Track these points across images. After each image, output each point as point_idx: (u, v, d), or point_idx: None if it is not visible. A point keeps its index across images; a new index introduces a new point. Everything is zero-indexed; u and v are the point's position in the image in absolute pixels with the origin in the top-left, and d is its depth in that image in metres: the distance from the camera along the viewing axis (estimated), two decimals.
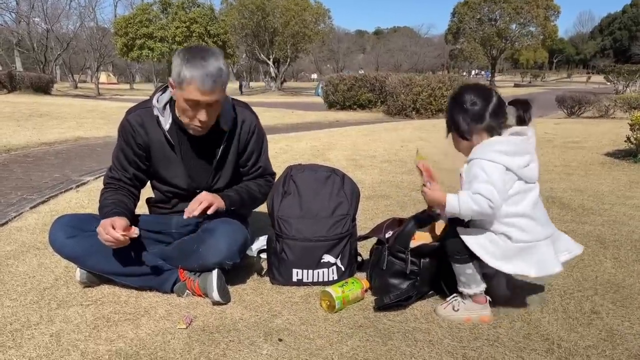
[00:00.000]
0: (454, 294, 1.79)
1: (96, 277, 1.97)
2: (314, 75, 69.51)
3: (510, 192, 1.65)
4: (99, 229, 1.74)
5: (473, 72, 62.07)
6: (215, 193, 1.97)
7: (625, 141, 5.25)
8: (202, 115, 1.81)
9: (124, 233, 1.72)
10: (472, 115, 1.69)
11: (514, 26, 47.99)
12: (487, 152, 1.64)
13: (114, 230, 1.71)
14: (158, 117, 1.93)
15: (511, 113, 1.70)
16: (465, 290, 1.74)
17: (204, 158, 2.02)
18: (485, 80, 49.73)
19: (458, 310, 1.74)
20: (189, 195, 1.99)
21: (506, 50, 52.01)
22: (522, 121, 1.69)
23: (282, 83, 43.91)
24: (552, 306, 1.84)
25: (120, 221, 1.76)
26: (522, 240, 1.64)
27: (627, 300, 1.88)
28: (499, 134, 1.69)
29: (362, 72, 20.38)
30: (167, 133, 1.94)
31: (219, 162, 2.03)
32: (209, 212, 1.87)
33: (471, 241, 1.66)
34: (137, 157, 1.99)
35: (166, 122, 1.94)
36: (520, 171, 1.64)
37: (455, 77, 14.10)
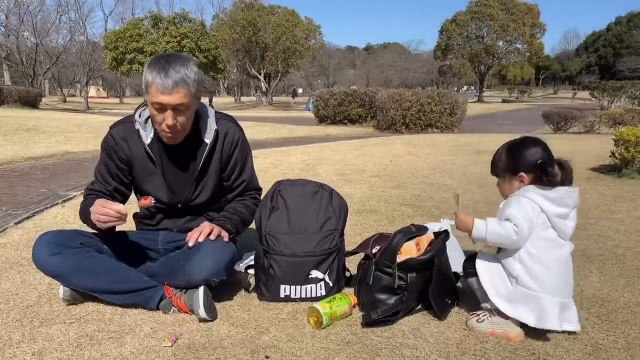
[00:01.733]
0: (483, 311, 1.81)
1: (80, 295, 1.94)
2: (300, 90, 70.16)
3: (539, 234, 1.69)
4: (93, 210, 1.76)
5: (464, 88, 62.73)
6: (198, 208, 1.98)
7: (609, 156, 5.34)
8: (168, 119, 1.81)
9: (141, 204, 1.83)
10: (529, 163, 1.74)
11: (501, 43, 48.80)
12: (529, 191, 1.71)
13: (112, 203, 1.74)
14: (139, 130, 1.95)
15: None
16: (488, 304, 1.77)
17: (185, 171, 2.03)
18: (474, 95, 50.39)
19: (482, 322, 1.75)
20: (171, 210, 1.99)
21: (494, 66, 52.81)
22: (563, 182, 1.73)
23: (279, 95, 43.98)
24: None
25: (112, 202, 1.78)
26: (527, 286, 1.68)
27: (612, 315, 1.90)
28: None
29: (355, 87, 20.51)
30: (147, 147, 1.95)
31: (199, 175, 2.03)
32: (211, 237, 1.89)
33: (484, 278, 1.76)
34: (119, 170, 2.00)
35: (147, 136, 1.95)
36: (554, 220, 1.70)
37: (444, 93, 14.23)
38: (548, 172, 1.69)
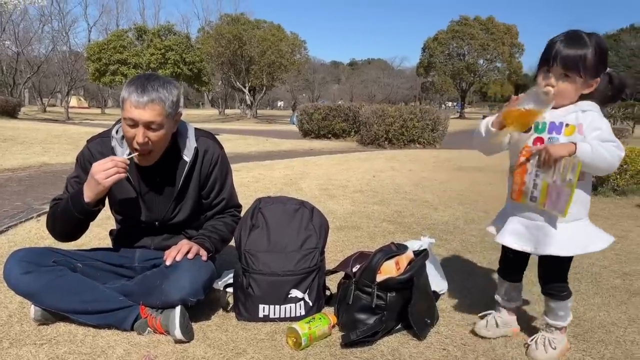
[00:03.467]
0: (541, 333, 1.76)
1: (51, 315, 1.88)
2: (280, 103, 70.70)
3: None
4: (94, 171, 1.76)
5: (449, 104, 63.52)
6: (176, 226, 1.96)
7: None
8: (139, 136, 1.78)
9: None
10: (605, 68, 1.62)
11: (481, 61, 49.96)
12: (598, 109, 1.60)
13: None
14: (115, 147, 1.92)
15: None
16: (561, 324, 1.74)
17: (163, 189, 2.00)
18: (456, 111, 51.17)
19: (556, 348, 1.71)
20: (148, 228, 1.95)
21: (475, 83, 53.91)
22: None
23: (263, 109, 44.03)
24: (516, 340, 1.86)
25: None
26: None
27: (587, 334, 1.92)
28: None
29: (341, 102, 20.68)
30: None
31: (179, 194, 2.01)
32: (189, 256, 1.86)
33: (602, 241, 1.66)
34: None
35: (123, 153, 1.92)
36: None
37: (427, 109, 14.43)
38: (622, 83, 1.62)
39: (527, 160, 1.60)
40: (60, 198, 1.98)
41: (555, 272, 1.72)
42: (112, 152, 1.93)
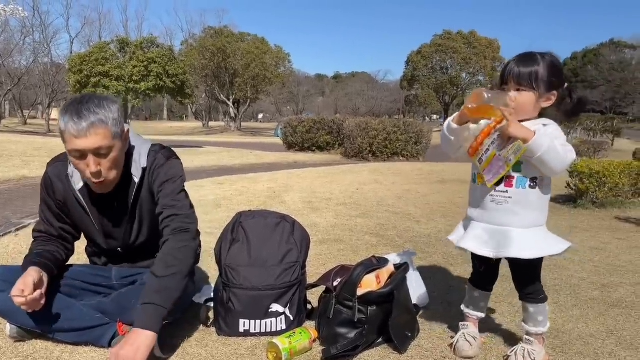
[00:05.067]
0: (520, 344, 1.77)
1: (28, 332, 1.84)
2: (260, 115, 71.55)
3: None
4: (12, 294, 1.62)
5: (435, 117, 64.31)
6: (142, 249, 1.91)
7: (565, 187, 5.56)
8: (92, 166, 1.65)
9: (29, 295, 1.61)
10: (562, 83, 1.70)
11: (464, 75, 50.80)
12: (556, 125, 1.68)
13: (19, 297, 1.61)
14: (70, 174, 1.83)
15: None
16: (541, 329, 1.76)
17: (118, 214, 1.89)
18: (440, 124, 51.79)
19: (535, 358, 1.72)
20: (112, 254, 1.92)
21: (458, 97, 54.71)
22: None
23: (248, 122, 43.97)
24: (496, 353, 1.87)
25: (32, 274, 1.67)
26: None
27: (566, 346, 1.94)
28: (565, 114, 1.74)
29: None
30: (77, 192, 1.83)
31: (131, 217, 1.90)
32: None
33: (561, 244, 1.75)
34: (60, 210, 1.91)
35: (79, 181, 1.82)
36: None
37: (410, 122, 14.61)
38: (581, 98, 1.69)
39: (495, 127, 1.67)
40: (40, 231, 1.92)
41: (527, 275, 1.78)
42: (68, 180, 1.84)
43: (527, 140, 1.57)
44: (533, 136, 1.57)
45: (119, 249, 1.97)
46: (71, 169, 1.82)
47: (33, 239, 1.93)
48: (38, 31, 39.61)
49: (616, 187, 5.37)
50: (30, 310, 1.67)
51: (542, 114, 1.72)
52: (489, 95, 1.61)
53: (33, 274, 1.68)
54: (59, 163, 1.90)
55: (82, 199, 1.85)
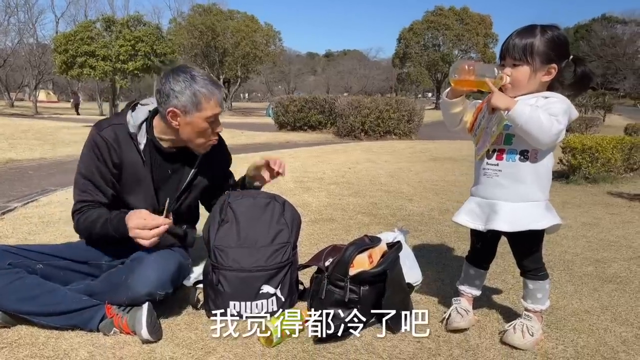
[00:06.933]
0: (519, 319, 1.75)
1: (12, 318, 1.79)
2: (246, 95, 71.36)
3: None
4: (138, 229, 1.74)
5: (429, 94, 64.04)
6: (177, 217, 1.98)
7: (557, 163, 5.54)
8: (220, 127, 1.93)
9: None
10: (564, 57, 1.64)
11: (456, 52, 50.38)
12: (563, 98, 1.63)
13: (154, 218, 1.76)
14: (134, 134, 1.88)
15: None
16: (540, 307, 1.75)
17: (174, 180, 2.03)
18: (432, 102, 51.68)
19: (533, 335, 1.71)
20: None
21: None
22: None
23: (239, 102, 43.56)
24: (490, 331, 1.85)
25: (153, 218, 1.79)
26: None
27: (560, 323, 1.93)
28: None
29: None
30: (142, 152, 1.90)
31: (187, 186, 2.05)
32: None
33: (547, 220, 1.70)
34: (113, 176, 1.89)
35: (141, 141, 1.90)
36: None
37: (402, 100, 14.49)
38: (584, 73, 1.64)
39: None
40: (85, 200, 1.89)
41: (524, 250, 1.76)
42: (132, 138, 1.89)
43: (509, 109, 1.54)
44: (512, 106, 1.54)
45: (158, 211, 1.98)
46: (132, 128, 1.89)
47: (77, 212, 1.91)
48: (23, 11, 38.75)
49: (608, 163, 5.37)
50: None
51: (553, 88, 1.67)
52: (472, 66, 1.58)
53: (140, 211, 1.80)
54: (112, 126, 1.90)
55: (145, 158, 1.92)
